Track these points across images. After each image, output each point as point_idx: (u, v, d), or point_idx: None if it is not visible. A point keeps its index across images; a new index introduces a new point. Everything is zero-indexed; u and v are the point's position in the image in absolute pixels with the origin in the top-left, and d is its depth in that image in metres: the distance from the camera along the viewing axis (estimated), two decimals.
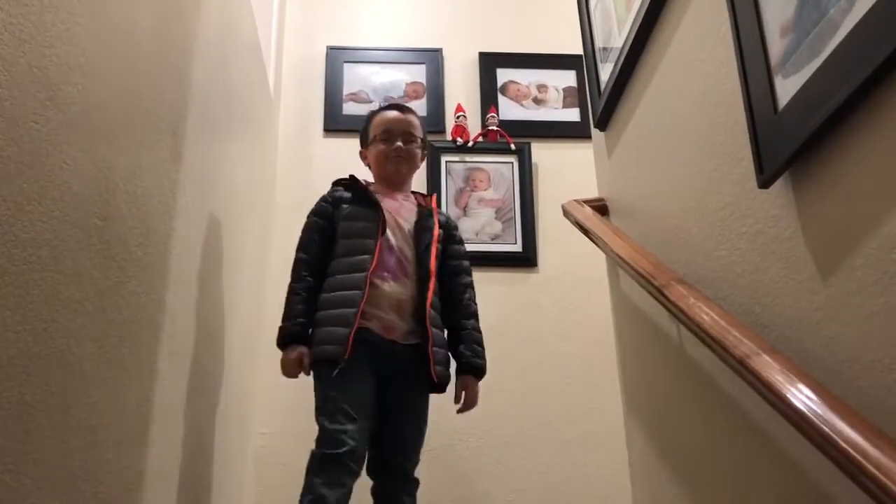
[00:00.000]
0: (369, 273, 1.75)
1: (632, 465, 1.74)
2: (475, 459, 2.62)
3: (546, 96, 3.21)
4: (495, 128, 3.07)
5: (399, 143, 1.95)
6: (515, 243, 2.91)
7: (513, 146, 3.03)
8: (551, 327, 2.80)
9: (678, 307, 1.18)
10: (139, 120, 1.31)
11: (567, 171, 3.03)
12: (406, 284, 1.82)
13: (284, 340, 1.76)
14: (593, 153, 2.07)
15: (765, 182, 1.06)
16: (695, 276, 1.30)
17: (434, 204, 2.01)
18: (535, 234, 2.93)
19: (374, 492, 1.78)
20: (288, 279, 1.85)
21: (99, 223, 1.12)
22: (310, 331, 1.78)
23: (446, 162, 3.02)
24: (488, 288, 2.84)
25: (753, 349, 0.98)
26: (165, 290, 1.44)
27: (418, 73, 3.18)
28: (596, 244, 1.68)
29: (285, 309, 1.80)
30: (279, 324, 1.79)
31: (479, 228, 2.93)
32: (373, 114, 2.06)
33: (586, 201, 1.89)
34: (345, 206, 1.89)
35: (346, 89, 3.13)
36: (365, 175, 2.02)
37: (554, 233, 2.94)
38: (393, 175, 1.97)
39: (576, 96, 3.21)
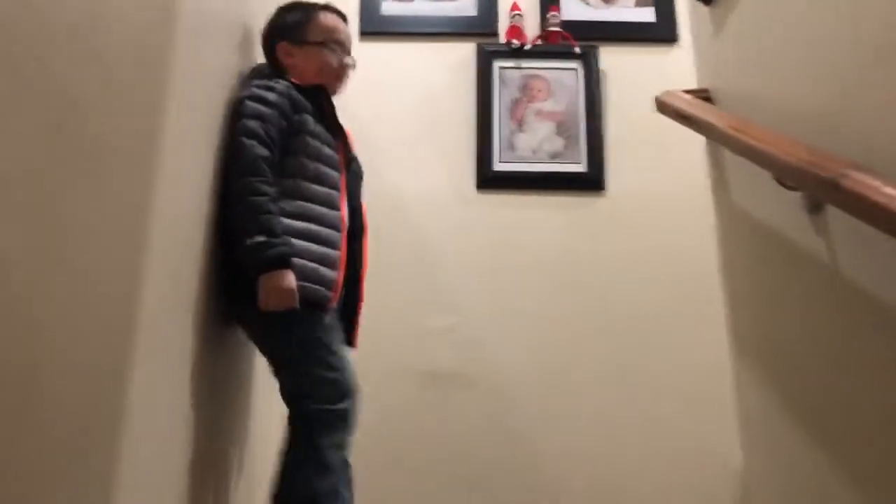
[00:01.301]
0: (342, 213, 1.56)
1: (745, 423, 1.39)
2: (528, 404, 2.30)
3: None
4: (557, 29, 2.64)
5: (347, 60, 1.70)
6: (580, 163, 2.52)
7: (577, 50, 2.61)
8: (622, 258, 2.42)
9: (868, 202, 0.80)
10: None
11: (640, 80, 2.60)
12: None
13: (279, 260, 1.36)
14: (692, 34, 1.66)
15: None
16: (876, 165, 0.91)
17: (352, 142, 1.73)
18: (603, 151, 2.52)
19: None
20: None
21: None
22: None
23: (499, 68, 2.61)
24: (548, 214, 2.49)
25: None
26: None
27: None
28: (711, 138, 1.30)
29: (258, 217, 1.37)
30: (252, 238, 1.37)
31: (537, 146, 2.54)
32: (312, 8, 1.70)
33: (687, 92, 1.50)
34: (307, 116, 1.54)
35: None
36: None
37: (625, 150, 2.54)
38: (332, 91, 1.67)
39: None
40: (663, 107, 1.49)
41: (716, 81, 1.51)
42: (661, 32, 2.69)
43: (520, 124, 2.57)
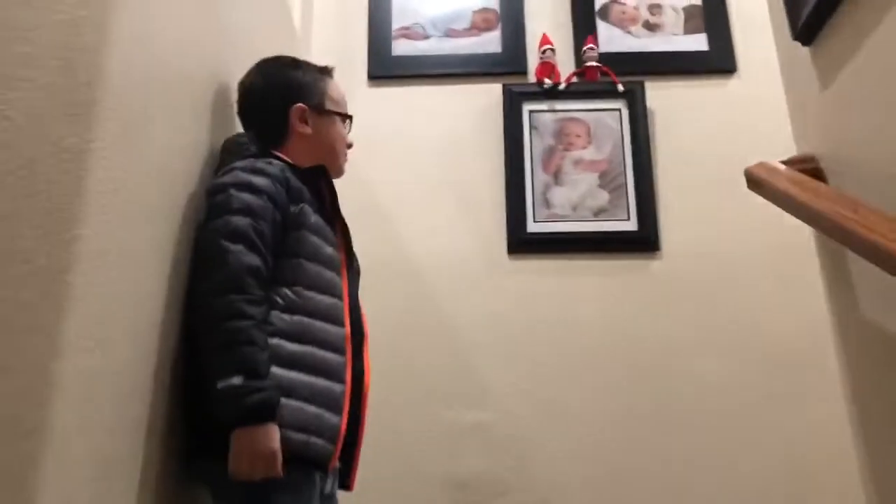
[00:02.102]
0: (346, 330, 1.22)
1: None
2: None
3: (661, 19, 2.41)
4: (595, 63, 2.29)
5: (350, 138, 1.43)
6: (628, 219, 2.15)
7: (620, 87, 2.26)
8: (685, 331, 2.04)
9: None
10: None
11: (695, 118, 2.26)
12: None
13: (261, 410, 1.03)
14: (784, 85, 1.29)
15: None
16: None
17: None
18: (655, 205, 2.16)
19: None
20: None
21: None
22: None
23: (529, 112, 2.27)
24: (593, 281, 2.12)
25: None
26: None
27: None
28: (835, 238, 0.93)
29: (237, 350, 1.03)
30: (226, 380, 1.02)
31: (578, 201, 2.19)
32: (323, 71, 1.42)
33: (787, 162, 1.14)
34: (306, 206, 1.21)
35: (396, 23, 2.40)
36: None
37: (681, 202, 2.17)
38: (336, 173, 1.37)
39: (701, 17, 2.40)
40: (757, 183, 1.13)
41: (827, 148, 1.14)
42: (716, 62, 2.34)
43: (556, 176, 2.21)
